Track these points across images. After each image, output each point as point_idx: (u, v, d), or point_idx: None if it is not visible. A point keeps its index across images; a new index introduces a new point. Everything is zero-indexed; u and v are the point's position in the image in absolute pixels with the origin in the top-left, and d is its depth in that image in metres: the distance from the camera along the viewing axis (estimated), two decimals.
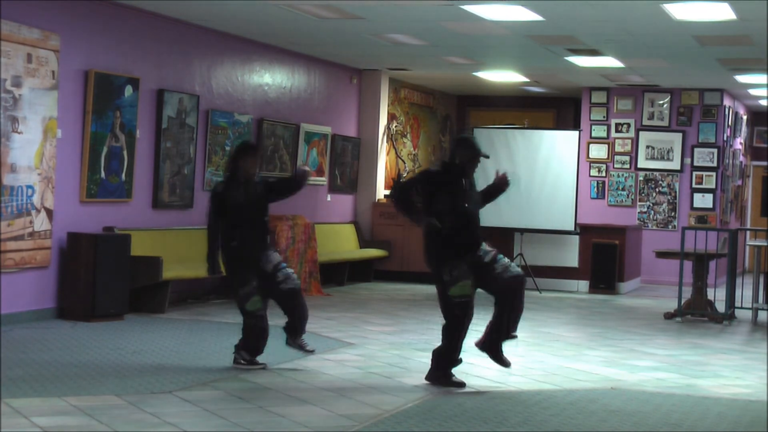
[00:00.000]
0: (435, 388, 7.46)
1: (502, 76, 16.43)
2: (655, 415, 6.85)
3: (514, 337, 7.79)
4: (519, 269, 7.71)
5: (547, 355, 9.30)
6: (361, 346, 9.22)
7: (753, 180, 21.46)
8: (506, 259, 7.70)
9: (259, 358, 8.07)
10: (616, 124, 17.54)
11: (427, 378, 7.69)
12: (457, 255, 7.53)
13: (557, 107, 19.80)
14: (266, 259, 8.04)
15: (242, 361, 8.04)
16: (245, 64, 13.48)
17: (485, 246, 7.71)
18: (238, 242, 7.97)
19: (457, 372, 8.13)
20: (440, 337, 7.42)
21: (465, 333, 7.67)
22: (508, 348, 9.73)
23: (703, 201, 17.20)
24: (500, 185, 7.98)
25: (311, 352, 8.29)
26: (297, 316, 8.16)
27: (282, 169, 14.30)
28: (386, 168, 16.90)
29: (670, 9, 10.26)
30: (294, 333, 8.21)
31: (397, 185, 7.99)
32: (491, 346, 7.73)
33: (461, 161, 7.68)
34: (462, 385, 7.59)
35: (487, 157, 7.74)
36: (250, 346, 8.09)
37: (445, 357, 7.64)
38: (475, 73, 16.15)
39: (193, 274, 11.16)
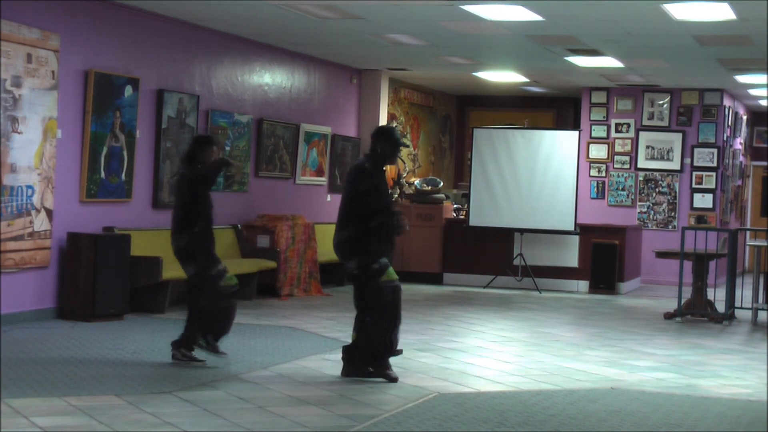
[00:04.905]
0: (433, 387, 7.45)
1: (502, 76, 16.43)
2: (655, 415, 6.84)
3: (400, 352, 7.79)
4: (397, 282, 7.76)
5: (547, 355, 9.30)
6: None
7: (753, 180, 21.46)
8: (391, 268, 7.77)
9: (262, 357, 8.04)
10: (616, 124, 17.54)
11: (345, 373, 7.67)
12: (382, 248, 7.67)
13: (557, 107, 19.79)
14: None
15: (204, 345, 8.03)
16: (245, 64, 13.48)
17: None
18: (200, 228, 8.11)
19: (457, 372, 8.13)
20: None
21: (400, 320, 7.74)
22: (503, 348, 9.74)
23: (703, 201, 17.20)
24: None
25: (225, 355, 8.08)
26: (231, 317, 8.16)
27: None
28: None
29: (670, 9, 10.26)
30: (217, 334, 8.09)
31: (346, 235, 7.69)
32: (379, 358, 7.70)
33: (383, 153, 7.74)
34: (395, 379, 7.57)
35: (407, 146, 7.80)
36: (217, 328, 8.06)
37: (378, 348, 7.60)
38: (475, 73, 16.14)
39: None
